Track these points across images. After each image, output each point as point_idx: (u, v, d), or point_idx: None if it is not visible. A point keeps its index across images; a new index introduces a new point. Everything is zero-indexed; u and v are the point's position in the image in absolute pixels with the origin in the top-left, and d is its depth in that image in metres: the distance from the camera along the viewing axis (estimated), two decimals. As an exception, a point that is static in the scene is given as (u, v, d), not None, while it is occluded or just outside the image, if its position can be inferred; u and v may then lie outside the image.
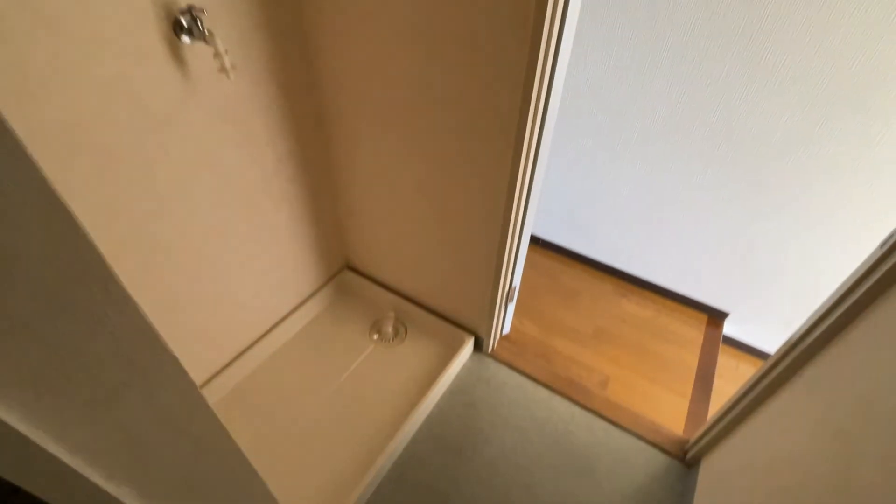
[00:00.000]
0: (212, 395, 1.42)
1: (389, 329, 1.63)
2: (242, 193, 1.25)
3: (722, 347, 2.00)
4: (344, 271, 1.83)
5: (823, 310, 0.89)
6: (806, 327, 0.92)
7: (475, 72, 0.99)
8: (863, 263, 0.82)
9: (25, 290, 0.27)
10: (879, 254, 0.80)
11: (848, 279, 0.84)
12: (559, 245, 2.24)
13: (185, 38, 0.93)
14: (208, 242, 1.22)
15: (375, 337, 1.65)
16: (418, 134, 1.20)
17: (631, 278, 2.12)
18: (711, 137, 1.55)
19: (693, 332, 1.94)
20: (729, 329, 1.99)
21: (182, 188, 1.09)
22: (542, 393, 1.55)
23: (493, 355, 1.65)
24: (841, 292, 0.85)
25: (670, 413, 1.61)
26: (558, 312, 1.97)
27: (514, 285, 1.48)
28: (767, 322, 1.87)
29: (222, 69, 0.94)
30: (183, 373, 0.43)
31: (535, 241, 2.29)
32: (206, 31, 0.91)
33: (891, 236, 0.80)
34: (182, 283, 1.20)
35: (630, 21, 1.47)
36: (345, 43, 1.15)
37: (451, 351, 1.60)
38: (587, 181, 1.93)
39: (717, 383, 1.79)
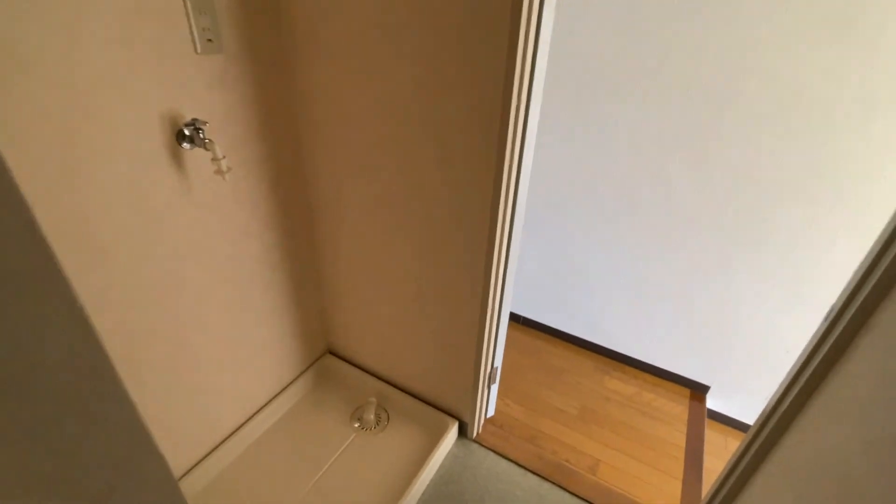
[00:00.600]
0: (184, 493, 1.32)
1: (371, 416, 1.59)
2: (228, 282, 1.28)
3: (709, 423, 1.99)
4: (325, 356, 1.81)
5: (786, 383, 0.93)
6: (773, 402, 0.96)
7: (451, 166, 1.11)
8: (812, 337, 0.89)
9: (44, 394, 0.30)
10: (825, 327, 0.87)
11: (802, 353, 0.90)
12: (540, 322, 2.28)
13: (186, 145, 1.03)
14: (190, 331, 1.22)
15: (356, 425, 1.60)
16: (399, 224, 1.28)
17: (611, 353, 2.14)
18: (670, 221, 1.69)
19: (678, 407, 1.94)
20: (712, 403, 2.00)
21: (169, 278, 1.12)
22: (531, 480, 1.49)
23: (478, 440, 1.60)
24: (798, 365, 0.90)
25: (664, 496, 1.55)
26: (543, 392, 1.95)
27: (495, 366, 1.49)
28: (748, 395, 1.89)
29: (218, 171, 1.02)
30: (169, 476, 0.44)
31: (516, 318, 2.34)
32: (206, 139, 1.01)
33: (832, 309, 0.88)
34: (160, 373, 1.18)
35: (583, 122, 1.67)
36: (332, 144, 1.27)
37: (435, 437, 1.55)
38: (564, 259, 2.03)
39: (709, 461, 1.76)
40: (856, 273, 0.82)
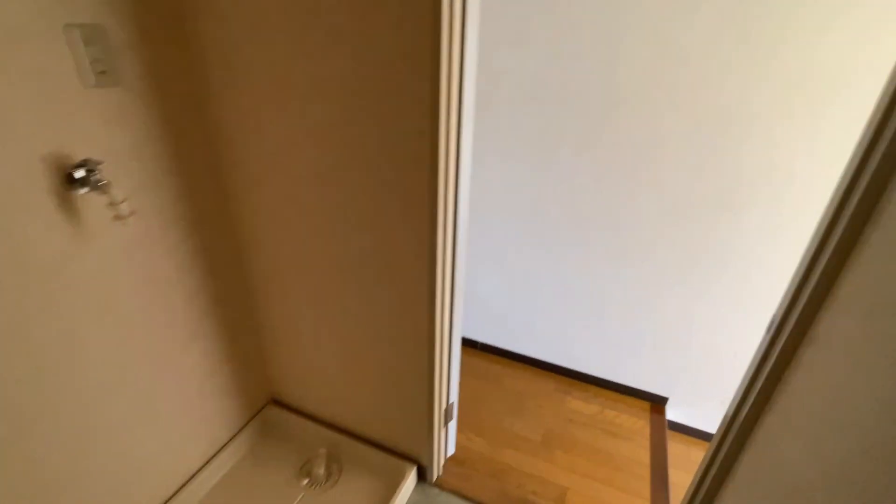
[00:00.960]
0: None
1: (321, 470, 1.45)
2: (144, 339, 1.14)
3: (670, 434, 1.99)
4: (268, 406, 1.66)
5: (739, 395, 0.92)
6: (729, 416, 0.94)
7: (385, 194, 1.04)
8: (758, 349, 0.88)
9: None
10: (768, 338, 0.86)
11: (750, 365, 0.89)
12: (498, 347, 2.23)
13: (82, 189, 0.90)
14: (100, 401, 1.06)
15: (305, 482, 1.45)
16: (337, 259, 1.20)
17: (571, 373, 2.12)
18: (619, 238, 1.70)
19: (639, 422, 1.92)
20: (672, 414, 2.00)
21: (69, 344, 0.97)
22: (497, 521, 1.40)
23: (439, 484, 1.50)
24: (749, 378, 0.89)
25: (633, 520, 1.51)
26: (505, 420, 1.88)
27: (451, 402, 1.41)
28: (706, 402, 1.91)
29: (118, 217, 0.91)
30: None
31: (473, 344, 2.27)
32: (101, 182, 0.89)
33: (773, 321, 0.87)
34: (62, 455, 1.00)
35: (527, 141, 1.67)
36: (258, 178, 1.18)
37: (392, 487, 1.44)
38: (518, 282, 2.00)
39: (674, 474, 1.74)
40: (790, 285, 0.82)
